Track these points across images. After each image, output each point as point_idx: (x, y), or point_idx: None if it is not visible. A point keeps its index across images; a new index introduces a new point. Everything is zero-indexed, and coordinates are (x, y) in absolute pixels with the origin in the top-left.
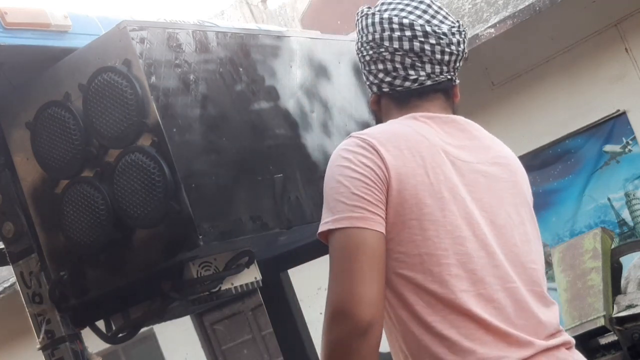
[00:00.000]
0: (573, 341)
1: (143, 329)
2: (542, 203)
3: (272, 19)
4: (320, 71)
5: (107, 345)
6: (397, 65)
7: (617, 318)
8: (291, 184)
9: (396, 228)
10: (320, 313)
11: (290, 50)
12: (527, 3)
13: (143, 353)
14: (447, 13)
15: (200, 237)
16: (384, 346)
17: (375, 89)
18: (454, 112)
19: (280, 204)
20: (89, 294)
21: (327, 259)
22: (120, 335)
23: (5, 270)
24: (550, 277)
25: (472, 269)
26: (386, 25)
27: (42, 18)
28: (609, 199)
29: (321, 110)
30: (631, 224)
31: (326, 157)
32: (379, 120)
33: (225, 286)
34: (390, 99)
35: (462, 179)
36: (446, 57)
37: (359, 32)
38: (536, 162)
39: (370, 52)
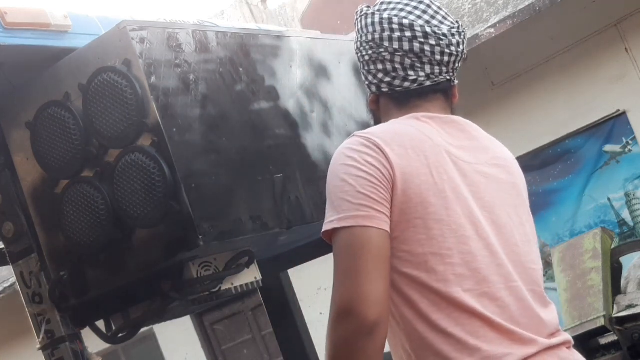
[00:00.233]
0: (572, 341)
1: (143, 329)
2: (542, 203)
3: (272, 19)
4: (320, 71)
5: (107, 345)
6: (397, 66)
7: (617, 318)
8: (291, 184)
9: (400, 227)
10: (321, 313)
11: (290, 50)
12: (527, 3)
13: (143, 353)
14: (446, 13)
15: (200, 237)
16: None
17: (374, 89)
18: (453, 113)
19: (280, 204)
20: (89, 294)
21: (327, 259)
22: (120, 335)
23: (5, 270)
24: (550, 277)
25: (476, 267)
26: (386, 26)
27: (42, 18)
28: (609, 199)
29: (321, 110)
30: (631, 224)
31: (326, 157)
32: (377, 120)
33: (225, 286)
34: (389, 99)
35: (464, 179)
36: (446, 58)
37: (358, 32)
38: (536, 162)
39: (370, 52)
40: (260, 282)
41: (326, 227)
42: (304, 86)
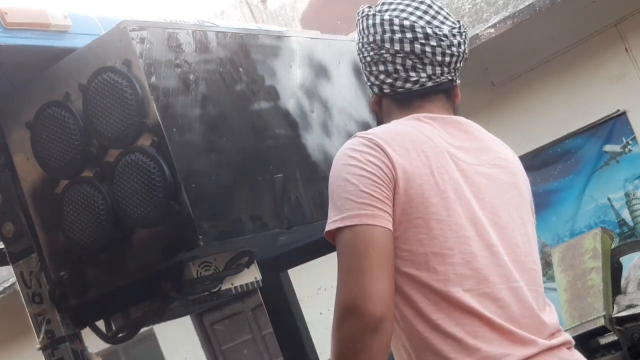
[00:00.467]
0: (573, 341)
1: (143, 329)
2: (542, 203)
3: (272, 19)
4: (320, 71)
5: (107, 345)
6: (398, 67)
7: (617, 318)
8: (291, 184)
9: (402, 226)
10: (321, 313)
11: (290, 50)
12: (527, 3)
13: (143, 353)
14: (447, 13)
15: (200, 237)
16: None
17: (376, 89)
18: (455, 113)
19: (280, 204)
20: (89, 294)
21: (327, 259)
22: (120, 335)
23: (5, 270)
24: (550, 277)
25: (477, 268)
26: (387, 27)
27: (42, 18)
28: (609, 199)
29: (321, 110)
30: (631, 224)
31: (326, 157)
32: (380, 120)
33: (225, 286)
34: (391, 99)
35: (466, 180)
36: (447, 59)
37: (360, 33)
38: (536, 162)
39: (371, 53)
40: (260, 282)
41: (329, 226)
42: (304, 86)
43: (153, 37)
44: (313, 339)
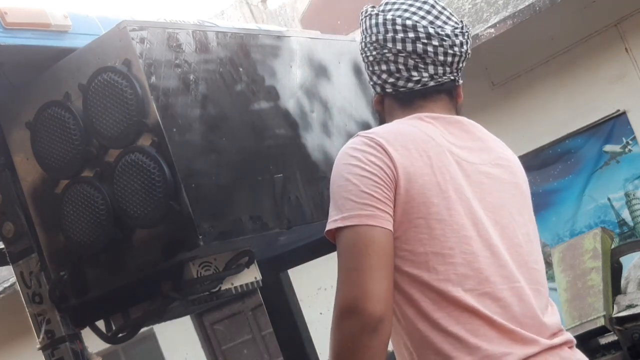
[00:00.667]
0: (574, 340)
1: (143, 329)
2: (542, 203)
3: (272, 19)
4: (320, 71)
5: (107, 345)
6: (401, 67)
7: (617, 318)
8: (291, 184)
9: (403, 226)
10: (321, 313)
11: (290, 50)
12: (527, 3)
13: (143, 353)
14: (450, 13)
15: (200, 237)
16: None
17: (378, 89)
18: (457, 113)
19: (280, 204)
20: (89, 294)
21: (327, 259)
22: (120, 335)
23: (5, 270)
24: (550, 277)
25: (478, 268)
26: (389, 27)
27: (42, 18)
28: (609, 199)
29: (321, 110)
30: (631, 224)
31: (326, 157)
32: (382, 120)
33: (225, 286)
34: (393, 99)
35: (467, 180)
36: (449, 59)
37: (363, 32)
38: (536, 162)
39: (374, 52)
40: (260, 282)
41: (330, 226)
42: (304, 86)
43: (153, 37)
44: (313, 339)
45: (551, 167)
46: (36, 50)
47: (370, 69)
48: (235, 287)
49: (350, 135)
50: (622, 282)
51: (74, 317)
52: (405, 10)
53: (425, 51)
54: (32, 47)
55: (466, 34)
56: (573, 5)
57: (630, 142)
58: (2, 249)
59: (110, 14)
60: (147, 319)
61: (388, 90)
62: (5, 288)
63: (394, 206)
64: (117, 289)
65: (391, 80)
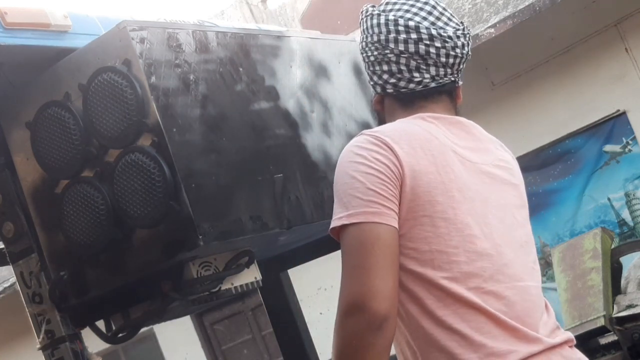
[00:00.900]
0: (574, 339)
1: (143, 329)
2: (542, 203)
3: (272, 19)
4: (320, 71)
5: (107, 345)
6: (402, 68)
7: (617, 318)
8: (291, 184)
9: (408, 224)
10: (321, 313)
11: (290, 50)
12: (527, 3)
13: (143, 353)
14: (451, 14)
15: (200, 237)
16: None
17: (379, 89)
18: (457, 113)
19: (280, 204)
20: (89, 294)
21: (327, 259)
22: (120, 335)
23: (5, 270)
24: (550, 277)
25: (482, 266)
26: (392, 27)
27: (42, 18)
28: (609, 199)
29: (321, 110)
30: (631, 224)
31: (326, 157)
32: (381, 120)
33: (225, 286)
34: (394, 99)
35: (471, 179)
36: (451, 60)
37: (364, 32)
38: (536, 162)
39: (375, 53)
40: (260, 282)
41: (335, 223)
42: (304, 86)
43: (153, 37)
44: (313, 339)
45: (551, 167)
46: (36, 50)
47: (371, 69)
48: (235, 287)
49: (350, 135)
50: (622, 282)
51: (74, 317)
52: (407, 11)
53: (428, 52)
54: (32, 47)
55: (467, 35)
56: (573, 5)
57: (630, 142)
58: (2, 249)
59: (110, 14)
60: (147, 319)
61: (389, 90)
62: (5, 288)
63: (400, 204)
64: (117, 289)
65: (392, 80)
